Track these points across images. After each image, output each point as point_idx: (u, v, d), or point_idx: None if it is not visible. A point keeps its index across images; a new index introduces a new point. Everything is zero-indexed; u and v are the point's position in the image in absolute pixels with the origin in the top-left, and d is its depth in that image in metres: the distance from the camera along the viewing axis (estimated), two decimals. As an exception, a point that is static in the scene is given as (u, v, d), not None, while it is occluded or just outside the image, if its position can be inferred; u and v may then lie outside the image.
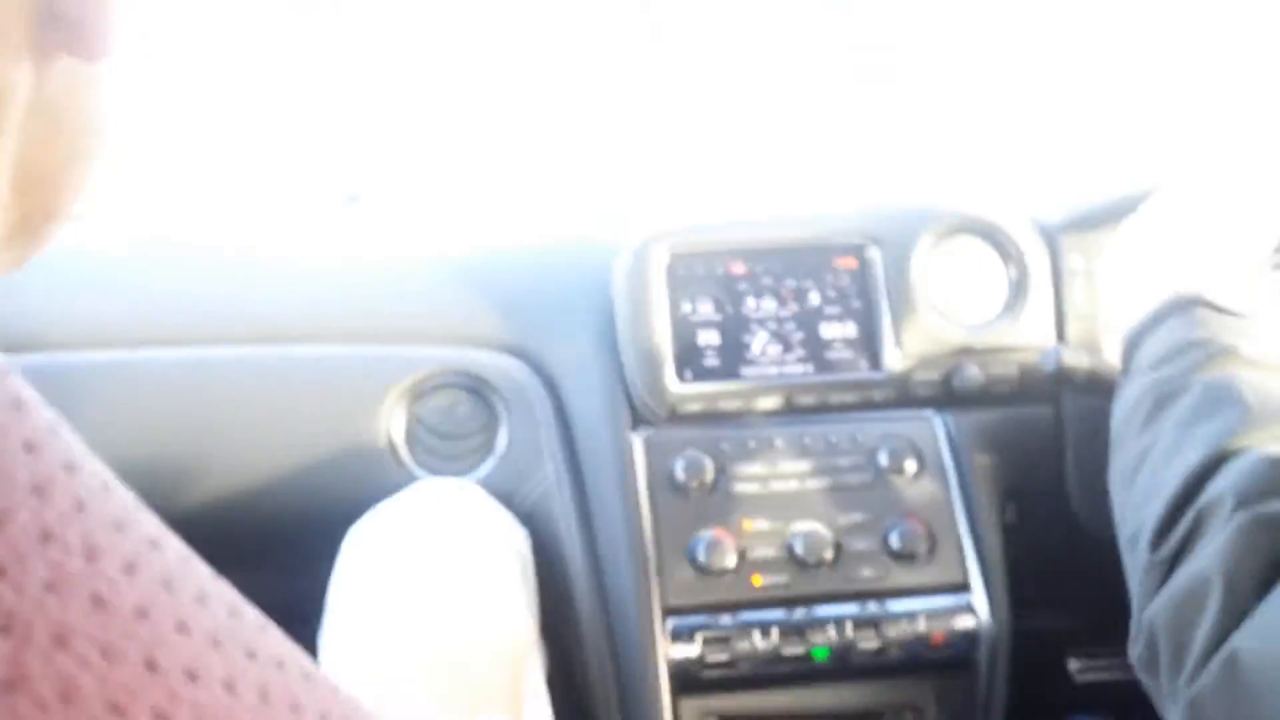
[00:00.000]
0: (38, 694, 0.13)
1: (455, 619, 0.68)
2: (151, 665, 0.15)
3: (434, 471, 1.00)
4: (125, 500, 0.18)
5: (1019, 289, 1.06)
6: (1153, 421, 0.70)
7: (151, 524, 0.18)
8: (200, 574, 0.18)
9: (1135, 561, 0.67)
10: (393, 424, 1.00)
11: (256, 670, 0.17)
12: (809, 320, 1.05)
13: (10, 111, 0.28)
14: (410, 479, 0.99)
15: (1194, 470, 0.63)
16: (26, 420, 0.16)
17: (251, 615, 0.19)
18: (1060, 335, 1.06)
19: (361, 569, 0.82)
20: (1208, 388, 0.68)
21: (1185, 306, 0.75)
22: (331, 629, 0.82)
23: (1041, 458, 1.00)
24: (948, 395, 1.04)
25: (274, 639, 0.19)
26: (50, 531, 0.15)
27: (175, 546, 0.18)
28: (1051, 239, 1.08)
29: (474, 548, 0.86)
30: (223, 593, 0.18)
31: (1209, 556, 0.59)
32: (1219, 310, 0.74)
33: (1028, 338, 1.05)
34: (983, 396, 1.04)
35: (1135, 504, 0.69)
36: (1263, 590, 0.56)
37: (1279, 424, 0.64)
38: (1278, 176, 0.85)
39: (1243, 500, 0.59)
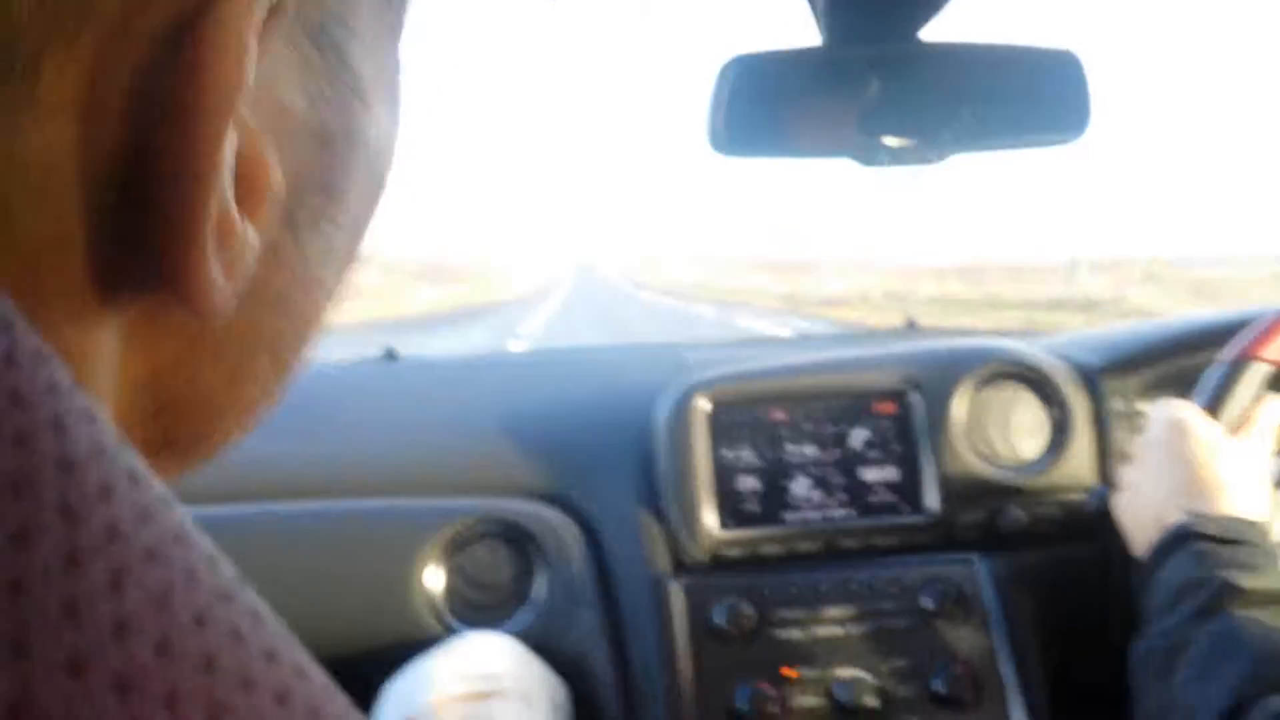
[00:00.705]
0: None
1: None
2: None
3: (471, 622, 1.00)
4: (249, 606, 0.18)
5: (1061, 430, 1.07)
6: (1166, 675, 0.71)
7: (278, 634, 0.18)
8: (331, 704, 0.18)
9: None
10: (431, 576, 1.01)
11: None
12: (850, 464, 1.06)
13: (97, 383, 0.21)
14: (447, 629, 0.99)
15: None
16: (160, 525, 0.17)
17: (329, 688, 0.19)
18: (1103, 476, 1.05)
19: None
20: (1213, 641, 0.69)
21: (1183, 540, 0.76)
22: None
23: (1087, 598, 0.98)
24: (991, 537, 1.03)
25: None
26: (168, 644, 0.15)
27: (297, 658, 0.18)
28: (1092, 381, 1.08)
29: (511, 701, 0.85)
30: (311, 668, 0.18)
31: None
32: (1217, 541, 0.75)
33: (1071, 478, 1.05)
34: (1026, 538, 1.03)
35: None
36: None
37: None
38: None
39: None
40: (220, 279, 0.21)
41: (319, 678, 0.18)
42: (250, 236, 0.22)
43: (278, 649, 0.17)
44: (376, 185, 0.28)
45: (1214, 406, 0.86)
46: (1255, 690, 0.63)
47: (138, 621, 0.15)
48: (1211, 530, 0.75)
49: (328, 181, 0.25)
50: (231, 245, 0.21)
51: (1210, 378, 0.89)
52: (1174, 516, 0.78)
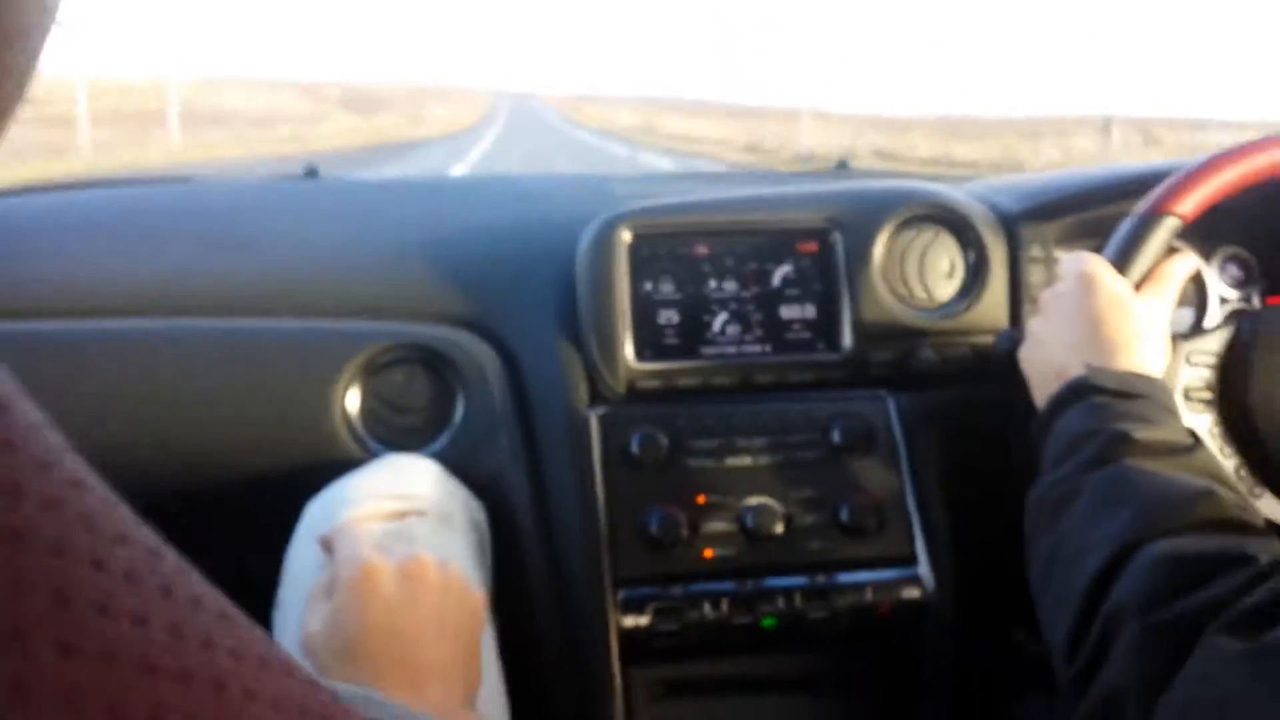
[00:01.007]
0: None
1: (408, 590, 0.69)
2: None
3: (390, 445, 1.01)
4: (100, 496, 0.18)
5: (976, 274, 1.08)
6: (1055, 523, 0.72)
7: (125, 519, 0.18)
8: (171, 568, 0.18)
9: (1059, 674, 0.68)
10: (349, 398, 1.01)
11: (210, 658, 0.17)
12: (769, 301, 1.07)
13: None
14: (366, 453, 0.99)
15: (1094, 577, 0.65)
16: (4, 419, 0.17)
17: (229, 611, 0.19)
18: (1014, 320, 1.07)
19: (316, 541, 0.83)
20: (1100, 485, 0.70)
21: (1082, 393, 0.77)
22: (285, 600, 0.83)
23: (991, 437, 1.01)
24: (902, 376, 1.06)
25: (234, 627, 0.19)
26: (19, 532, 0.15)
27: (147, 540, 0.18)
28: (1010, 226, 1.09)
29: (430, 520, 0.86)
30: (206, 593, 0.19)
31: (1118, 671, 0.60)
32: (1114, 394, 0.76)
33: (983, 322, 1.07)
34: (936, 378, 1.06)
35: (1049, 617, 0.70)
36: None
37: (1170, 517, 0.65)
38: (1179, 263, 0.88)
39: (1142, 608, 0.60)
40: None
41: (146, 542, 0.18)
42: None
43: (127, 534, 0.18)
44: None
45: (1122, 260, 0.87)
46: (1141, 535, 0.64)
47: None
48: (1109, 384, 0.76)
49: None
50: None
51: (1120, 231, 0.90)
52: (1075, 370, 0.80)
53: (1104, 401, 0.75)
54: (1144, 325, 0.82)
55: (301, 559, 0.84)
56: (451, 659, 0.67)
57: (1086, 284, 0.84)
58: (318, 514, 0.88)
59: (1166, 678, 0.55)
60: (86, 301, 1.02)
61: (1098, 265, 0.86)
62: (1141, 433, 0.71)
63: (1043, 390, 0.83)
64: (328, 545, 0.75)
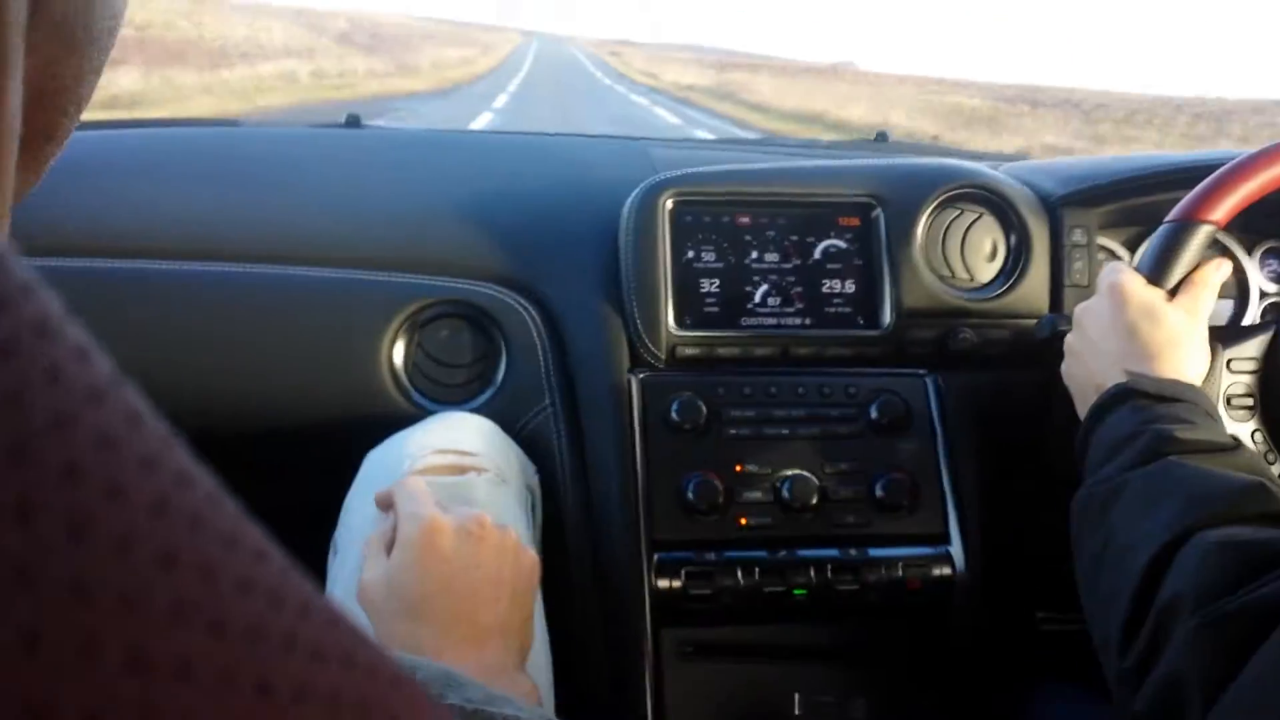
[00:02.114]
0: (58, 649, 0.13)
1: (469, 550, 0.70)
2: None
3: (433, 399, 1.02)
4: (156, 434, 0.17)
5: (1018, 257, 1.09)
6: (1101, 522, 0.72)
7: (183, 459, 0.17)
8: (230, 515, 0.18)
9: (1109, 667, 0.68)
10: (395, 351, 1.02)
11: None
12: (810, 275, 1.07)
13: (7, 32, 0.24)
14: (410, 405, 1.01)
15: (1145, 569, 0.65)
16: (52, 346, 0.16)
17: (278, 559, 0.18)
18: (1055, 304, 1.08)
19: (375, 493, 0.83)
20: (1146, 480, 0.70)
21: (1121, 399, 0.78)
22: (342, 546, 0.84)
23: (1027, 421, 1.02)
24: (941, 356, 1.07)
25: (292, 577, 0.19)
26: (74, 467, 0.15)
27: (206, 484, 0.17)
28: (1053, 209, 1.10)
29: (488, 477, 0.88)
30: (251, 535, 0.18)
31: (1177, 662, 0.60)
32: (1153, 398, 0.76)
33: (1024, 304, 1.08)
34: (975, 359, 1.07)
35: (1098, 610, 0.71)
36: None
37: (1220, 508, 0.66)
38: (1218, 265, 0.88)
39: (1198, 601, 0.60)
40: None
41: (206, 486, 0.17)
42: None
43: (157, 456, 0.17)
44: None
45: (1155, 270, 0.87)
46: (1191, 525, 0.65)
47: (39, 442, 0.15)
48: (1148, 388, 0.77)
49: None
50: None
51: (1152, 240, 0.90)
52: (1113, 380, 0.80)
53: (1144, 404, 0.76)
54: (1179, 333, 0.82)
55: (359, 509, 0.85)
56: (508, 619, 0.68)
57: (1118, 296, 0.84)
58: (377, 466, 0.90)
59: (1230, 668, 0.56)
60: (133, 240, 1.03)
61: (1128, 277, 0.85)
62: (1184, 432, 0.72)
63: (1083, 404, 0.84)
64: (387, 501, 0.76)
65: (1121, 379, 0.79)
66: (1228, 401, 0.90)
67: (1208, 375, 0.85)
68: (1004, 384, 1.07)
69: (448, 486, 0.82)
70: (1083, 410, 0.84)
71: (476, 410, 1.00)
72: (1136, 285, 0.85)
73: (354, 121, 1.38)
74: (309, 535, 0.84)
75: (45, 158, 0.31)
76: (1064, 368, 0.89)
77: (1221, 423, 0.77)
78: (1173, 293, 0.86)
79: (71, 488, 0.14)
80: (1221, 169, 0.89)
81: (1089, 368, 0.85)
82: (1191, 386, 0.79)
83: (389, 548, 0.70)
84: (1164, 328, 0.82)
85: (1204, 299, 0.86)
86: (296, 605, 0.18)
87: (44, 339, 0.15)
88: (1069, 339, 0.89)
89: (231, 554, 0.17)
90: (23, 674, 0.13)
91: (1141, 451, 0.72)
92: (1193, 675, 0.59)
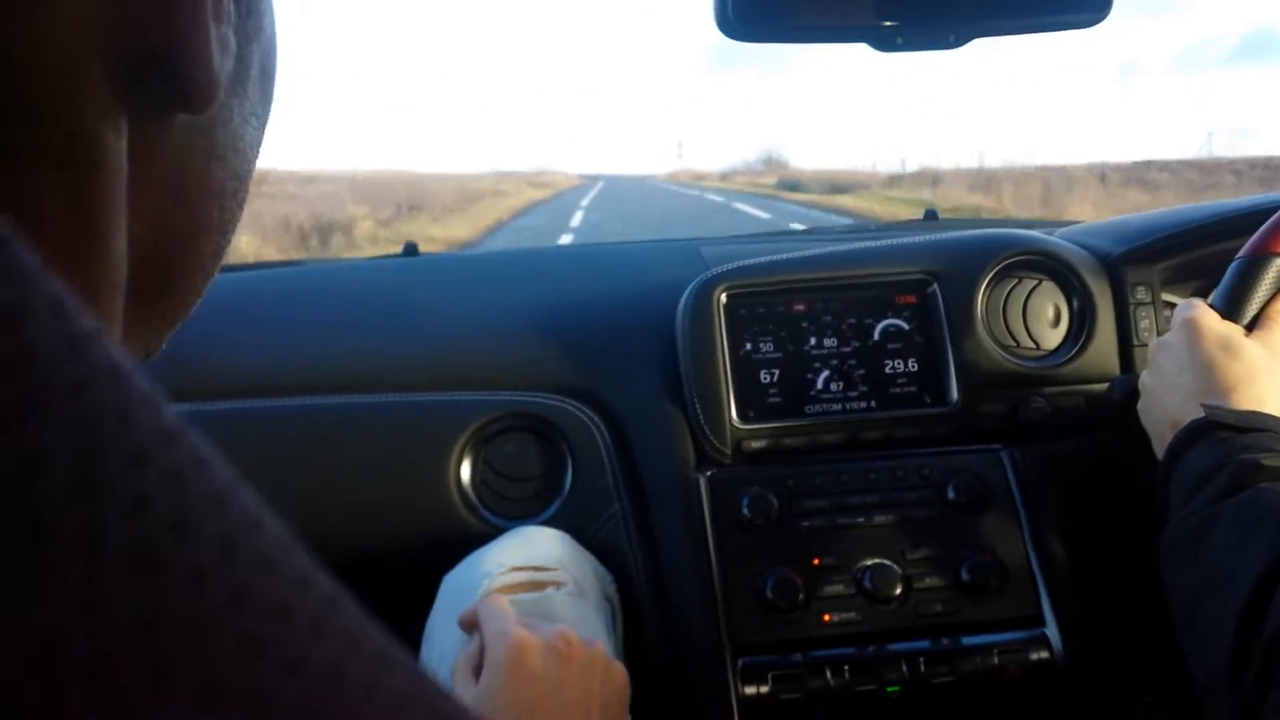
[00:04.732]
0: None
1: (557, 667, 0.69)
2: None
3: (502, 514, 1.02)
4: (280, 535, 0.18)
5: (1082, 320, 1.06)
6: (1194, 556, 0.71)
7: (304, 563, 0.18)
8: (364, 629, 0.18)
9: (1218, 705, 0.66)
10: (463, 468, 1.02)
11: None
12: (871, 356, 1.06)
13: (110, 179, 0.23)
14: (480, 521, 1.00)
15: (1247, 600, 0.63)
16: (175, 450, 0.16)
17: (352, 608, 0.19)
18: (1125, 365, 1.05)
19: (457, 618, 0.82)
20: (1239, 510, 0.68)
21: (1201, 433, 0.76)
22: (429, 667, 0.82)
23: (1111, 487, 0.99)
24: (1014, 428, 1.04)
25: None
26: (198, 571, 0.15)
27: (326, 584, 0.18)
28: (1113, 270, 1.08)
29: (567, 591, 0.86)
30: (375, 638, 0.18)
31: None
32: (1235, 429, 0.75)
33: (1093, 368, 1.05)
34: (1050, 428, 1.04)
35: (1201, 648, 0.69)
36: None
37: None
38: None
39: None
40: (217, 53, 0.24)
41: (325, 586, 0.18)
42: (228, 35, 0.25)
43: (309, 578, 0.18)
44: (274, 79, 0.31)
45: (1229, 305, 0.85)
46: None
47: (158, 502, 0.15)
48: (1230, 420, 0.75)
49: (266, 67, 0.30)
50: (222, 22, 0.25)
51: (1226, 276, 0.88)
52: (1191, 416, 0.78)
53: (1227, 436, 0.74)
54: (1256, 366, 0.80)
55: (442, 632, 0.84)
56: None
57: (1193, 331, 0.83)
58: (456, 587, 0.89)
59: None
60: (212, 382, 1.05)
61: (1202, 312, 0.84)
62: (1271, 460, 0.70)
63: (1160, 443, 0.82)
64: (471, 622, 0.75)
65: (1199, 414, 0.77)
66: None
67: None
68: (1083, 452, 1.04)
69: (527, 604, 0.81)
70: (1160, 449, 0.82)
71: (546, 522, 1.00)
72: (1212, 320, 0.83)
73: (411, 250, 1.41)
74: None
75: (168, 309, 0.30)
76: (1140, 406, 0.87)
77: None
78: (1249, 327, 0.84)
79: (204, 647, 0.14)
80: None
81: (1166, 405, 0.83)
82: (1273, 416, 0.77)
83: (476, 671, 0.69)
84: (1241, 361, 0.80)
85: None
86: (373, 652, 0.18)
87: (176, 488, 0.16)
88: (1144, 378, 0.87)
89: (381, 669, 0.17)
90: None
91: (1229, 482, 0.70)
92: None
